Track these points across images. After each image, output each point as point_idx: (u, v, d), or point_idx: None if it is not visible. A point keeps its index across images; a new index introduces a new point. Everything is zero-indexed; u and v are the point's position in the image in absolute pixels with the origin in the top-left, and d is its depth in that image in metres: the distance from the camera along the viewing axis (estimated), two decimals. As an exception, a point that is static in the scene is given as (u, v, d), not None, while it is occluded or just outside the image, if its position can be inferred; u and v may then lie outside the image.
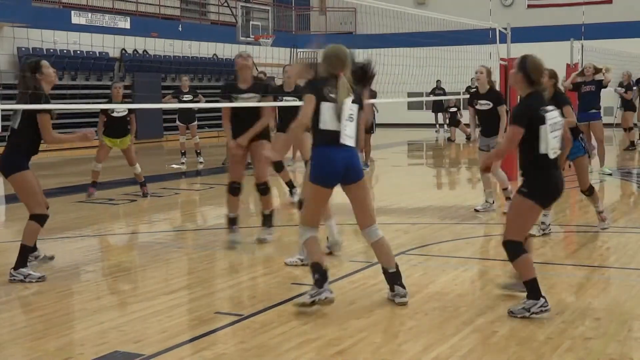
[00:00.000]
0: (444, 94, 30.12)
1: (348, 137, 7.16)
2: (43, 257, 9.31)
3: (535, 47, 35.48)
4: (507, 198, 12.00)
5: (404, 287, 7.38)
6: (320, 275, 7.18)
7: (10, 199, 14.63)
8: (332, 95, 7.13)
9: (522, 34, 27.14)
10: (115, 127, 14.60)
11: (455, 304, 7.35)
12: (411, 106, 38.00)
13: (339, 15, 42.93)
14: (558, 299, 7.41)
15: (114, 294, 8.06)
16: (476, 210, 12.58)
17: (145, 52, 31.19)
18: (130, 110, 14.63)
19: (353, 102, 7.21)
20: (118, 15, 30.89)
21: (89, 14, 29.41)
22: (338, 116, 7.11)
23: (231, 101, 10.18)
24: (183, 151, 21.00)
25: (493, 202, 12.68)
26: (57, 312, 7.30)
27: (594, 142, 17.29)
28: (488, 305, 7.27)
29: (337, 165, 7.14)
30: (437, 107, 33.62)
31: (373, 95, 18.30)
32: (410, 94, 26.79)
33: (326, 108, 7.12)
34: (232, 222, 10.26)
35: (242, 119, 10.03)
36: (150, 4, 33.91)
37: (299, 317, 6.95)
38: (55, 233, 11.09)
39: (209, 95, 23.50)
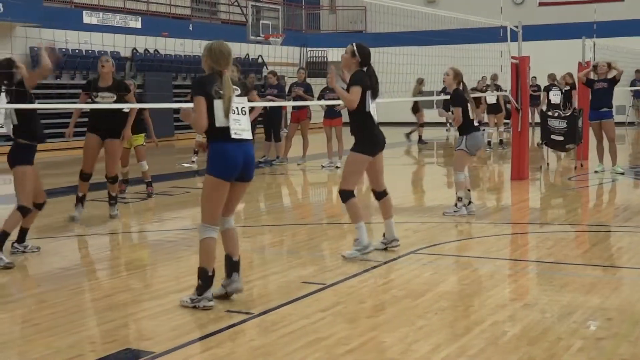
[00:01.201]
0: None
1: (243, 130, 7.27)
2: (30, 247, 9.79)
3: (546, 45, 35.49)
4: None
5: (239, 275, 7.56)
6: (204, 282, 7.27)
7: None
8: (221, 92, 7.16)
9: (533, 32, 27.07)
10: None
11: (466, 303, 7.34)
12: (421, 105, 37.90)
13: (349, 14, 42.91)
14: (569, 299, 7.39)
15: (125, 291, 8.06)
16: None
17: (156, 52, 31.25)
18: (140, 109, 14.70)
19: (239, 95, 7.30)
20: (129, 15, 30.95)
21: (100, 14, 29.48)
22: (226, 112, 7.15)
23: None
24: (196, 150, 20.95)
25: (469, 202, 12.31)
26: (68, 310, 7.31)
27: (605, 141, 17.25)
28: (499, 305, 7.25)
29: (236, 160, 7.20)
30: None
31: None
32: (420, 93, 26.79)
33: (217, 105, 7.16)
34: (79, 200, 11.94)
35: None
36: (161, 4, 33.97)
37: (309, 316, 6.94)
38: (65, 231, 11.11)
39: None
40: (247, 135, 7.28)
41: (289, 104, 20.42)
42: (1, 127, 9.51)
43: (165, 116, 30.38)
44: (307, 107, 20.00)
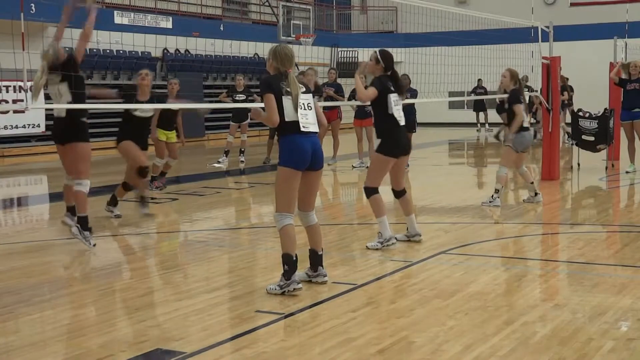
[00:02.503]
0: (485, 93, 29.98)
1: (310, 124, 7.81)
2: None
3: (578, 45, 35.34)
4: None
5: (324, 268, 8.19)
6: (289, 267, 7.69)
7: (54, 197, 14.79)
8: (288, 90, 7.74)
9: (564, 33, 26.96)
10: (165, 120, 15.36)
11: (496, 303, 7.32)
12: (452, 105, 37.87)
13: (380, 15, 42.88)
14: (600, 299, 7.36)
15: (156, 292, 8.10)
16: (524, 201, 13.35)
17: (187, 52, 31.36)
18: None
19: (304, 92, 7.86)
20: (160, 15, 31.07)
21: (132, 14, 29.61)
22: (295, 107, 7.71)
23: None
24: (227, 150, 21.01)
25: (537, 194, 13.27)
26: (99, 310, 7.37)
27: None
28: (529, 305, 7.24)
29: (305, 150, 7.72)
30: (479, 106, 33.49)
31: (414, 94, 18.30)
32: (451, 93, 26.69)
33: (286, 102, 7.72)
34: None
35: None
36: (192, 4, 34.08)
37: (340, 316, 6.96)
38: (96, 231, 11.17)
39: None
40: (314, 128, 7.84)
41: (320, 104, 20.43)
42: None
43: (196, 117, 30.52)
44: (337, 107, 20.00)
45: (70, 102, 9.91)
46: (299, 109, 7.71)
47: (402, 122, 9.79)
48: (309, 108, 7.85)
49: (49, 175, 19.74)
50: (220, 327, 6.76)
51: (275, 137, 20.92)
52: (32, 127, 24.69)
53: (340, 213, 13.49)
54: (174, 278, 8.77)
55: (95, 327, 6.79)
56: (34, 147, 25.01)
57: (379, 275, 8.40)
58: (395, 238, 9.88)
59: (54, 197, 14.75)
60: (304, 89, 7.87)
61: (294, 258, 7.74)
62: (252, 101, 20.74)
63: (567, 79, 26.45)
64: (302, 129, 7.70)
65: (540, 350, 6.01)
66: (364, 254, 9.56)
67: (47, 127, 24.77)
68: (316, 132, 7.88)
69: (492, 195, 13.02)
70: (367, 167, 18.95)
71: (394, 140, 9.71)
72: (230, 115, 21.37)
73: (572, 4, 38.98)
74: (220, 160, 20.84)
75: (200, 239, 10.91)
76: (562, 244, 10.49)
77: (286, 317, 6.99)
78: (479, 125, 33.98)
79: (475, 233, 10.96)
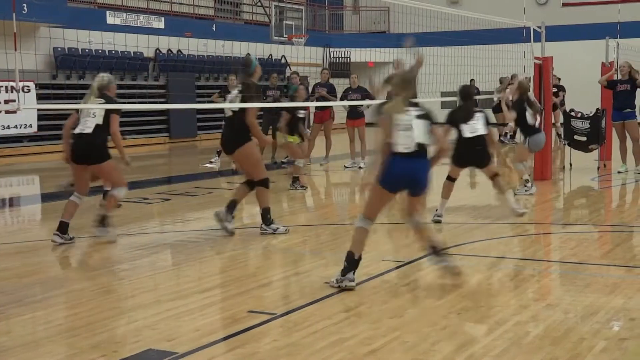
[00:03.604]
0: (478, 93, 29.98)
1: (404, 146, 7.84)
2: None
3: (570, 45, 35.34)
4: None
5: None
6: (348, 264, 7.81)
7: (45, 197, 14.76)
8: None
9: (556, 33, 26.98)
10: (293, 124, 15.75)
11: (489, 303, 7.33)
12: (444, 105, 37.81)
13: (372, 15, 42.89)
14: (592, 299, 7.37)
15: (148, 292, 8.10)
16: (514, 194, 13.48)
17: (179, 52, 31.33)
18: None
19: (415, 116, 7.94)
20: (152, 15, 31.04)
21: (124, 14, 29.58)
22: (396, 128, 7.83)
23: None
24: (219, 150, 20.95)
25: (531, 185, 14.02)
26: (92, 310, 7.35)
27: (628, 141, 17.18)
28: (522, 305, 7.25)
29: (398, 174, 7.86)
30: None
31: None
32: (443, 93, 26.69)
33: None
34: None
35: None
36: (184, 4, 34.05)
37: (332, 316, 6.96)
38: (88, 232, 11.15)
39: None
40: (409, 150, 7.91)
41: (313, 105, 20.43)
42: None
43: (188, 117, 30.54)
44: (330, 107, 20.01)
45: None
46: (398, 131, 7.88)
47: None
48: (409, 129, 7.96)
49: (41, 175, 19.72)
50: (213, 327, 6.76)
51: (269, 138, 21.09)
52: (24, 128, 24.65)
53: (332, 213, 13.49)
54: (166, 278, 8.76)
55: (87, 327, 6.78)
56: (25, 147, 24.97)
57: (372, 275, 8.40)
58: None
59: (45, 197, 14.72)
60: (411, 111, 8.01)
61: (355, 257, 7.82)
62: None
63: (559, 79, 26.50)
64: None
65: (532, 350, 6.02)
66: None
67: (39, 128, 24.76)
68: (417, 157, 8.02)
69: (525, 185, 13.95)
70: (360, 167, 19.12)
71: None
72: (223, 115, 21.35)
73: (564, 4, 39.04)
74: (212, 160, 20.82)
75: (193, 239, 10.90)
76: (554, 244, 10.51)
77: (278, 317, 6.99)
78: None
79: (467, 233, 10.98)
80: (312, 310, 7.20)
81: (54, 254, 9.94)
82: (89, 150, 10.19)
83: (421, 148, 7.92)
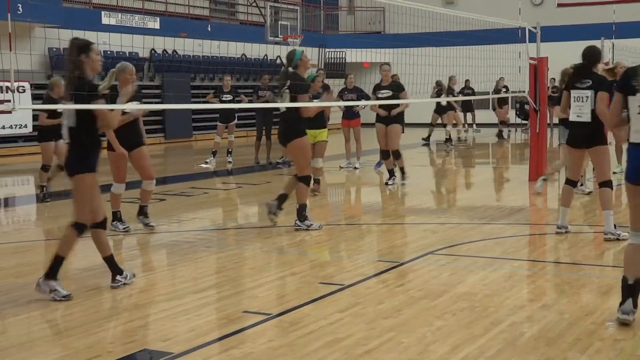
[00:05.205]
0: (473, 93, 30.02)
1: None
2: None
3: (565, 46, 35.40)
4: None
5: None
6: (622, 291, 6.73)
7: (41, 197, 14.73)
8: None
9: (552, 33, 27.04)
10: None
11: (484, 304, 7.33)
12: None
13: (367, 15, 42.91)
14: (587, 300, 7.38)
15: (143, 292, 8.09)
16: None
17: (174, 52, 31.32)
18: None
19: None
20: (147, 15, 31.03)
21: (119, 15, 29.58)
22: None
23: None
24: (214, 151, 21.00)
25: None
26: (86, 310, 7.35)
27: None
28: (517, 306, 7.25)
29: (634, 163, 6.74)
30: (466, 106, 33.53)
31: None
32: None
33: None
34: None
35: None
36: (179, 5, 34.04)
37: (327, 316, 6.96)
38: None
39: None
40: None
41: (308, 105, 20.41)
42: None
43: (183, 117, 30.54)
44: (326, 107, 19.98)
45: None
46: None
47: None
48: None
49: (36, 175, 19.69)
50: (208, 327, 6.76)
51: (264, 139, 21.06)
52: (19, 128, 24.66)
53: (328, 213, 13.48)
54: (161, 279, 8.76)
55: (82, 327, 6.78)
56: (21, 147, 24.96)
57: (367, 276, 8.40)
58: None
59: (41, 197, 14.68)
60: None
61: (629, 282, 6.69)
62: (240, 101, 20.78)
63: (554, 79, 26.57)
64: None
65: (527, 350, 6.02)
66: (351, 255, 9.57)
67: (34, 128, 24.71)
68: None
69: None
70: (355, 167, 19.12)
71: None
72: (218, 115, 21.38)
73: (559, 5, 39.06)
74: (207, 160, 20.83)
75: (188, 239, 10.89)
76: (549, 245, 10.51)
77: (274, 317, 6.99)
78: (466, 125, 33.98)
79: (463, 234, 10.98)
80: (308, 310, 7.20)
81: (49, 255, 9.91)
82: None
83: None
